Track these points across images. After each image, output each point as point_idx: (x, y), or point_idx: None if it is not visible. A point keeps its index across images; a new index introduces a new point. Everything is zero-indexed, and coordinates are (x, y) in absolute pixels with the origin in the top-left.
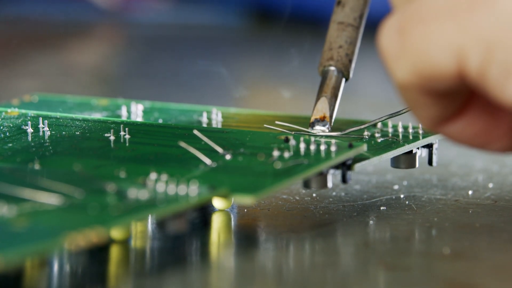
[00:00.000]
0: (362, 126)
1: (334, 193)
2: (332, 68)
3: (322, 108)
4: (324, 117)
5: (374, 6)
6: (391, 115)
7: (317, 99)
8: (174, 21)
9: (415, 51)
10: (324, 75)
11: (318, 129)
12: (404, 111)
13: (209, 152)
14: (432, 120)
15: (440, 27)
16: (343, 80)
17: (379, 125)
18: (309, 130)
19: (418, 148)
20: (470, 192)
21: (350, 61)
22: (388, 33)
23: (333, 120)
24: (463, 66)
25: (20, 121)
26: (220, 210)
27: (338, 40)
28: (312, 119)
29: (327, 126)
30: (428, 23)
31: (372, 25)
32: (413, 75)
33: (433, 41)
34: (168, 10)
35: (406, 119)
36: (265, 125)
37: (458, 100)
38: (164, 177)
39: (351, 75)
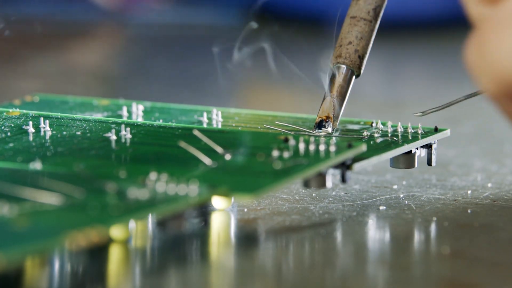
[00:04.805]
0: (438, 108)
1: (333, 193)
2: (341, 65)
3: (326, 108)
4: (328, 117)
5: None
6: (467, 96)
7: (323, 98)
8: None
9: (490, 61)
10: (333, 72)
11: (322, 130)
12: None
13: (209, 152)
14: None
15: (509, 34)
16: (353, 77)
17: (379, 125)
18: (314, 131)
19: (417, 148)
20: (469, 192)
21: (360, 57)
22: (470, 48)
23: (339, 120)
24: None
25: (21, 121)
26: (220, 210)
27: (349, 35)
28: (317, 120)
29: (330, 126)
30: (500, 31)
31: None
32: (494, 85)
33: (505, 49)
34: (168, 10)
35: (406, 119)
36: (265, 125)
37: None
38: (164, 177)
39: (362, 71)
